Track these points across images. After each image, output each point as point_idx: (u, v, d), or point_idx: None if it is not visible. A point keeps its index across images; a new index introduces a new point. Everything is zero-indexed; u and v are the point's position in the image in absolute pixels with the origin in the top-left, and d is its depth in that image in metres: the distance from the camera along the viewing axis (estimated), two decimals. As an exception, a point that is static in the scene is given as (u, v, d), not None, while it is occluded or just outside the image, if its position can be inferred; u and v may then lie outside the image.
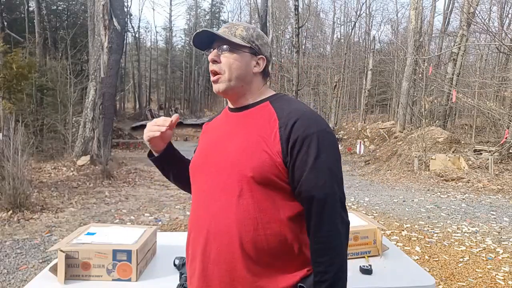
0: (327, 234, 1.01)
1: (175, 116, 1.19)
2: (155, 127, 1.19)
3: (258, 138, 1.06)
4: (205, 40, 1.15)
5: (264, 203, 1.04)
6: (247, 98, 1.17)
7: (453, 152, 10.47)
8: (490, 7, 18.77)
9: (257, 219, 1.04)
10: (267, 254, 1.04)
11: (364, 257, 1.76)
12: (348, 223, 1.06)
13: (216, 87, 1.15)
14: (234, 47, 1.12)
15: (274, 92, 1.21)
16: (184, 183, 1.33)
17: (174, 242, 1.89)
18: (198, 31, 1.14)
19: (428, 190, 7.90)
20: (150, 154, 1.31)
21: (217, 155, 1.12)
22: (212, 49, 1.15)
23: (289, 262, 1.06)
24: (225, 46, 1.12)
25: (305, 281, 1.06)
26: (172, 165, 1.32)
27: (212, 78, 1.15)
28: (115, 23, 9.34)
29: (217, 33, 1.11)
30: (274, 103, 1.14)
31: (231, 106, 1.22)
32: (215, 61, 1.13)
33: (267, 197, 1.05)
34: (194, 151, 1.34)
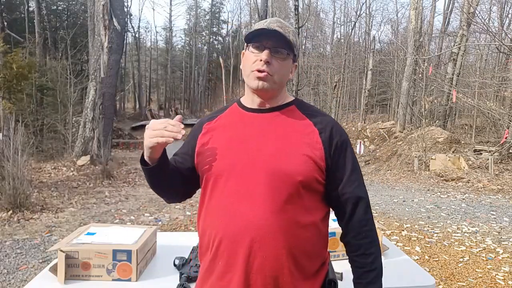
0: (371, 229, 1.12)
1: (179, 117, 1.06)
2: (167, 132, 1.01)
3: (299, 143, 1.08)
4: (254, 33, 1.10)
5: (307, 207, 1.06)
6: (277, 100, 1.16)
7: (453, 152, 10.47)
8: (490, 7, 18.76)
9: (301, 223, 1.05)
10: (306, 256, 1.07)
11: (364, 257, 1.76)
12: None
13: (260, 84, 1.09)
14: (288, 53, 1.11)
15: (292, 96, 1.22)
16: (168, 189, 1.22)
17: (174, 242, 1.89)
18: (265, 27, 1.08)
19: (428, 190, 7.90)
20: (143, 161, 1.13)
21: (250, 158, 1.07)
22: (259, 44, 1.09)
23: (318, 262, 1.11)
24: (283, 51, 1.09)
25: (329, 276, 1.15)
26: (166, 173, 1.16)
27: (259, 75, 1.08)
28: (115, 23, 9.34)
29: (287, 37, 1.07)
30: (299, 107, 1.16)
31: (252, 106, 1.17)
32: (267, 62, 1.08)
33: (309, 200, 1.07)
34: (179, 153, 1.24)
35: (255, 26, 1.11)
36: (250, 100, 1.17)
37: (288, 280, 1.04)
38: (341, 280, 1.47)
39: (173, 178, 1.18)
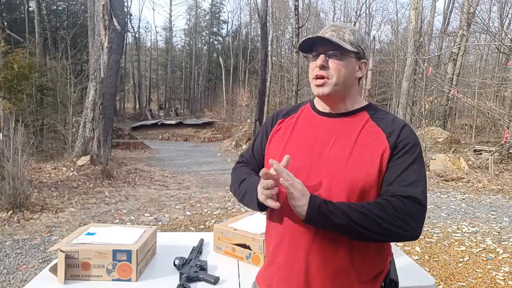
0: (400, 217, 0.99)
1: (286, 159, 1.04)
2: (268, 191, 1.04)
3: (365, 150, 1.07)
4: (306, 43, 1.14)
5: None
6: (346, 103, 1.16)
7: (453, 152, 10.47)
8: (490, 7, 18.79)
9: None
10: (367, 262, 1.08)
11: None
12: (410, 232, 1.01)
13: (320, 90, 1.12)
14: (344, 53, 1.10)
15: (365, 102, 1.21)
16: None
17: (174, 242, 1.88)
18: (310, 36, 1.11)
19: (428, 190, 7.90)
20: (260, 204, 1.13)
21: (314, 162, 1.09)
22: (315, 53, 1.13)
23: (379, 268, 1.11)
24: (336, 52, 1.10)
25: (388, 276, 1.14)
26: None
27: (317, 82, 1.12)
28: (115, 23, 9.33)
29: (333, 40, 1.08)
30: (371, 114, 1.15)
31: (322, 110, 1.19)
32: (323, 66, 1.11)
33: None
34: (253, 146, 1.31)
35: (305, 37, 1.14)
36: (321, 104, 1.19)
37: (347, 283, 1.06)
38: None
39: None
